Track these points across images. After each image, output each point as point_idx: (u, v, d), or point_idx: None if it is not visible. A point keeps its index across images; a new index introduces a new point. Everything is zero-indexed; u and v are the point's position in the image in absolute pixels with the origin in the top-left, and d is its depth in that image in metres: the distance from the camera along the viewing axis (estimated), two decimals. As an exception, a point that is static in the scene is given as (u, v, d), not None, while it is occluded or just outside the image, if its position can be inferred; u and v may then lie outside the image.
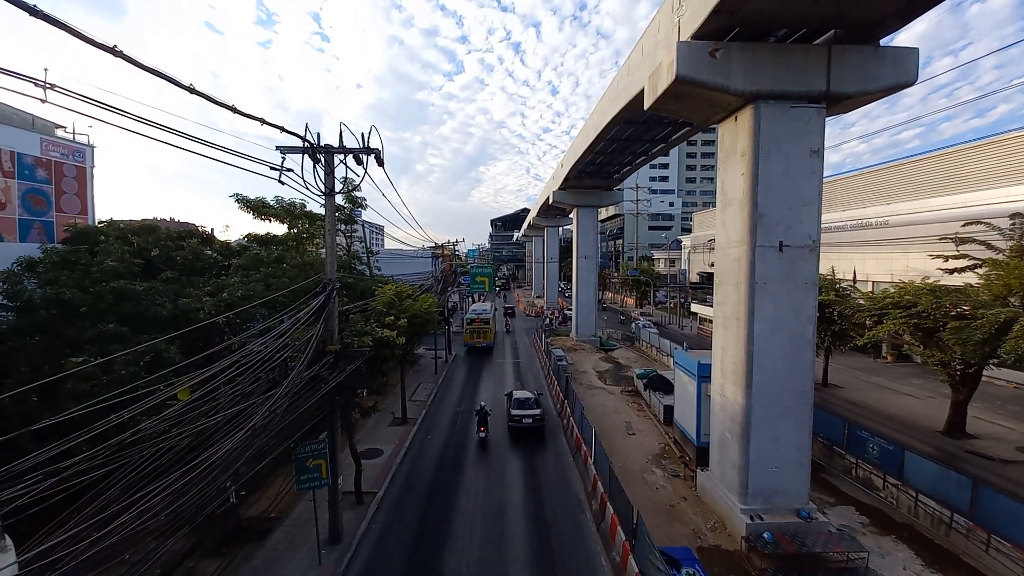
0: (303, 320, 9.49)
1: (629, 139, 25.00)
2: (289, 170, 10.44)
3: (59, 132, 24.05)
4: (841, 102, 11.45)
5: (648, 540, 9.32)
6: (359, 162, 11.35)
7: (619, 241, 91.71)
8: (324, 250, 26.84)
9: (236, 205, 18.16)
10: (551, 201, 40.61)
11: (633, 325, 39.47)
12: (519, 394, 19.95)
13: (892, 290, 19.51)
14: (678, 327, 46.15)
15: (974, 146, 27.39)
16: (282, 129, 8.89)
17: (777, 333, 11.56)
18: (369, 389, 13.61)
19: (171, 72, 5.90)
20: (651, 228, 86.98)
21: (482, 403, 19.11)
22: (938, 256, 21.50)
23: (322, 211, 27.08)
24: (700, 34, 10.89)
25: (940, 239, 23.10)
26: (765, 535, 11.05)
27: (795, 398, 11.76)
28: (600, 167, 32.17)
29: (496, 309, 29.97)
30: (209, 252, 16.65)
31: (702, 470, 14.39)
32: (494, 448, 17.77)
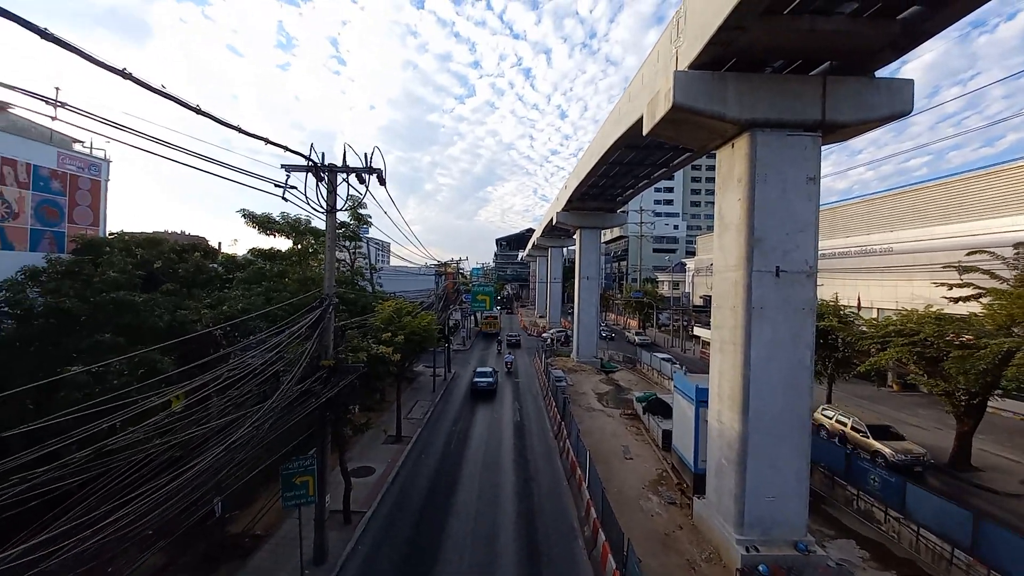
0: (297, 334, 9.55)
1: (631, 163, 25.35)
2: (293, 187, 10.70)
3: (76, 146, 24.79)
4: (837, 131, 11.61)
5: (637, 569, 9.07)
6: (362, 181, 11.59)
7: (623, 263, 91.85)
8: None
9: (243, 220, 18.51)
10: (555, 222, 40.96)
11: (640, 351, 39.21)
12: (480, 368, 29.66)
13: (895, 317, 19.34)
14: (680, 350, 45.73)
15: (979, 175, 27.46)
16: (285, 148, 9.15)
17: (774, 359, 11.45)
18: (362, 405, 13.48)
19: (187, 93, 6.13)
20: (655, 251, 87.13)
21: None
22: (942, 284, 21.37)
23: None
24: (697, 64, 11.19)
25: (944, 267, 22.97)
26: (760, 568, 10.73)
27: (793, 425, 11.56)
28: (603, 190, 32.54)
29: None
30: (213, 265, 16.89)
31: (699, 498, 14.05)
32: (487, 470, 17.50)
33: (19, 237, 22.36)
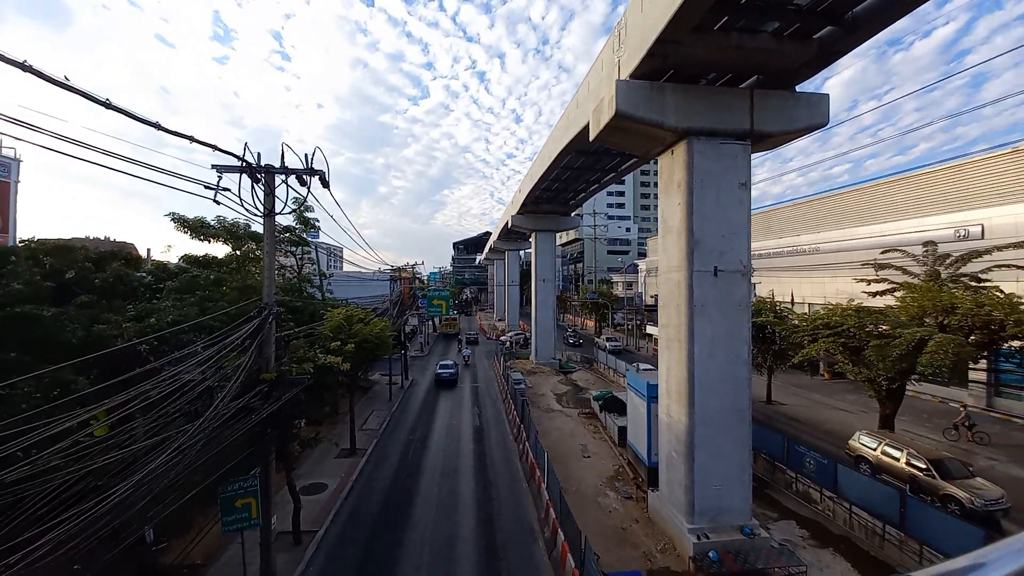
0: (232, 346, 8.98)
1: (581, 168, 26.00)
2: (226, 189, 10.09)
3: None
4: (765, 140, 12.47)
5: (594, 567, 9.22)
6: (302, 183, 11.12)
7: (579, 264, 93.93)
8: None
9: (172, 225, 17.22)
10: (510, 225, 41.21)
11: (600, 354, 38.33)
12: (443, 361, 34.65)
13: (822, 311, 20.96)
14: (635, 348, 47.24)
15: (890, 181, 30.43)
16: (214, 147, 8.62)
17: (715, 354, 12.07)
18: (311, 418, 12.85)
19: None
20: (609, 252, 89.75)
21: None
22: (861, 280, 23.45)
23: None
24: (637, 74, 11.65)
25: (862, 265, 25.24)
26: (711, 554, 11.22)
27: (734, 416, 12.22)
28: (556, 193, 33.14)
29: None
30: (140, 274, 15.54)
31: (653, 491, 14.53)
32: (446, 478, 17.22)
33: (-98, 247, 19.64)
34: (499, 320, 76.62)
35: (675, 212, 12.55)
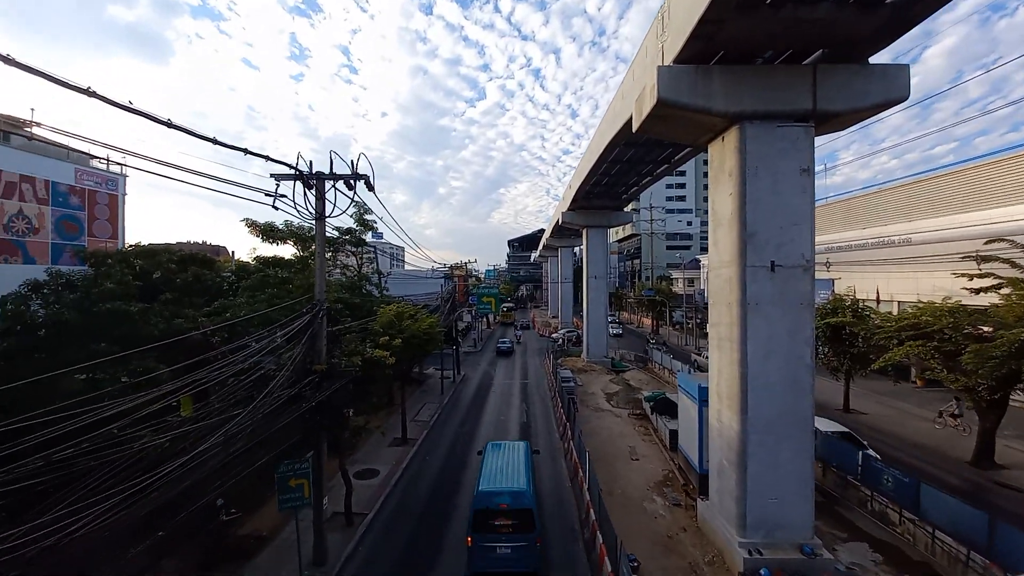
0: (285, 338, 9.74)
1: (632, 160, 25.08)
2: (283, 196, 10.98)
3: (93, 162, 25.87)
4: (831, 120, 11.25)
5: (627, 572, 8.92)
6: (350, 187, 11.79)
7: (636, 261, 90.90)
8: (333, 270, 27.41)
9: (247, 230, 18.97)
10: (561, 222, 40.79)
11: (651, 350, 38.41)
12: (502, 339, 42.03)
13: (911, 311, 18.63)
14: (695, 348, 44.94)
15: (996, 161, 26.30)
16: (267, 158, 9.36)
17: (772, 355, 11.14)
18: (359, 408, 13.65)
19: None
20: (668, 248, 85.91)
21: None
22: (962, 275, 20.49)
23: (335, 234, 27.79)
24: (681, 58, 10.99)
25: (963, 258, 22.04)
26: (762, 572, 10.43)
27: (794, 424, 11.22)
28: (607, 188, 32.27)
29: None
30: (225, 274, 17.30)
31: (703, 499, 13.77)
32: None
33: (41, 251, 23.43)
34: (553, 317, 76.28)
35: (726, 202, 11.73)
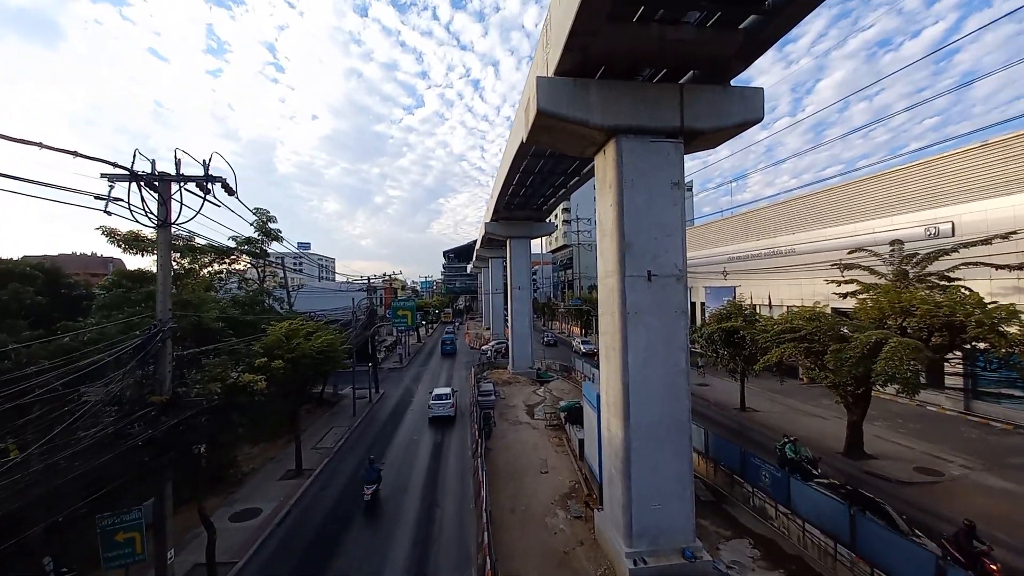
0: (116, 363, 8.26)
1: (543, 171, 25.47)
2: (118, 199, 9.47)
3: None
4: (698, 137, 11.89)
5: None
6: (204, 190, 10.48)
7: (569, 271, 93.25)
8: (227, 284, 24.81)
9: (104, 239, 16.52)
10: (485, 233, 40.63)
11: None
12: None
13: (787, 315, 20.32)
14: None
15: (862, 180, 30.00)
16: (100, 160, 8.05)
17: (650, 363, 11.37)
18: (222, 442, 12.05)
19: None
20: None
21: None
22: (832, 281, 22.85)
23: (228, 242, 25.22)
24: (562, 70, 11.10)
25: (832, 265, 24.70)
26: (645, 581, 10.43)
27: (672, 428, 11.50)
28: (526, 199, 32.61)
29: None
30: (30, 291, 14.66)
31: (599, 510, 13.74)
32: (392, 498, 16.37)
33: None
34: (486, 329, 75.74)
35: (608, 213, 11.93)
